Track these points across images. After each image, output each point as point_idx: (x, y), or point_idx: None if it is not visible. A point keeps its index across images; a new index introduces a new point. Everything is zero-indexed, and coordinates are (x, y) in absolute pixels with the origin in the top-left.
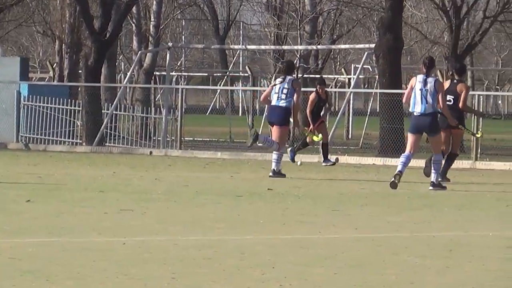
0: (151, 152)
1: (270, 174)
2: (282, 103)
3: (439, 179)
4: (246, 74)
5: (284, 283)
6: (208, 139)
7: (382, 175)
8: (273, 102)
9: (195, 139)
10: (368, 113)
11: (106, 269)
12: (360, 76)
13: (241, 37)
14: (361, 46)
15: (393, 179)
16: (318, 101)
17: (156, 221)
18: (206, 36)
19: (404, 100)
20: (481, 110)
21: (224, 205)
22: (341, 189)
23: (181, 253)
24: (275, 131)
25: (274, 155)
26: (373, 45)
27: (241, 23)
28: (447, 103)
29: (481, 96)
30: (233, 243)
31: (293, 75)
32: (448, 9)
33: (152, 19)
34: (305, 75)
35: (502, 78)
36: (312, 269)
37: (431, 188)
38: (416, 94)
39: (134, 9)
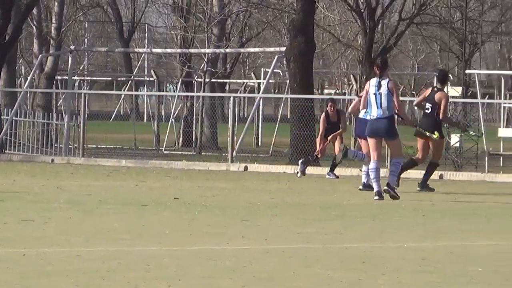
0: (52, 160)
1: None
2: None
3: (418, 188)
4: (151, 79)
5: None
6: (112, 147)
7: (293, 184)
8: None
9: (99, 146)
10: (279, 119)
11: (6, 282)
12: (270, 81)
13: (146, 40)
14: (271, 49)
15: (385, 194)
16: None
17: (58, 232)
18: (110, 39)
19: (361, 107)
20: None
21: (128, 215)
22: (250, 198)
23: (84, 265)
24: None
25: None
26: (283, 48)
27: (146, 25)
28: (426, 111)
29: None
30: (138, 255)
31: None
32: (362, 11)
33: (54, 21)
34: (212, 80)
35: (418, 83)
36: (220, 281)
37: (386, 188)
38: (370, 99)
39: (34, 11)
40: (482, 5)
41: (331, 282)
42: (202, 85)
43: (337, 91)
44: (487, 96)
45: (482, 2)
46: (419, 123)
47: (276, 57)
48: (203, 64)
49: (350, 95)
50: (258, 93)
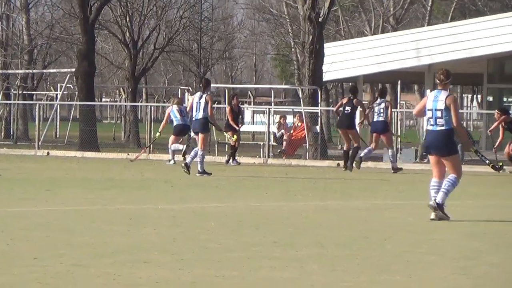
0: None
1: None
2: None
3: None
4: None
5: (10, 243)
6: None
7: (82, 165)
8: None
9: None
10: (71, 119)
11: None
12: (65, 92)
13: None
14: (65, 70)
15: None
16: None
17: None
18: None
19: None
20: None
21: None
22: (51, 175)
23: None
24: None
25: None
26: (74, 69)
27: None
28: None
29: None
30: None
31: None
32: (128, 42)
33: None
34: (24, 91)
35: (168, 94)
36: (32, 233)
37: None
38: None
39: None
40: (212, 39)
41: (108, 233)
42: (17, 95)
43: (111, 99)
44: (216, 102)
45: (212, 36)
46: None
47: (68, 75)
48: (17, 81)
49: (125, 102)
50: (56, 100)
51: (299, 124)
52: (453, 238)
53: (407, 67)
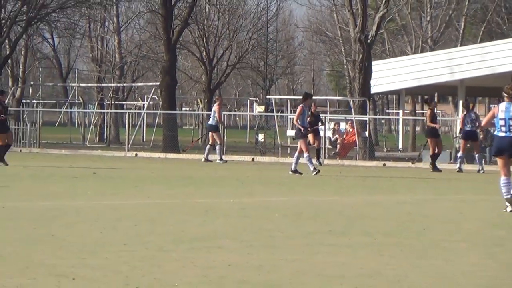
0: (20, 150)
1: None
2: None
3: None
4: (79, 101)
5: (104, 231)
6: (55, 142)
7: (165, 164)
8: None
9: (48, 141)
10: (156, 125)
11: None
12: (150, 102)
13: (76, 78)
14: (151, 83)
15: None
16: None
17: None
18: (55, 77)
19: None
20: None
21: (63, 183)
22: (139, 173)
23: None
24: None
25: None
26: (158, 83)
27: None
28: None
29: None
30: (71, 206)
31: None
32: (204, 60)
33: (21, 66)
34: (116, 102)
35: (239, 103)
36: (121, 222)
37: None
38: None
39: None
40: (276, 57)
41: (187, 223)
42: (110, 105)
43: (190, 109)
44: (280, 111)
45: (276, 55)
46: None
47: (154, 88)
48: (110, 93)
49: (202, 110)
50: (143, 109)
51: (351, 130)
52: (482, 227)
53: (442, 82)
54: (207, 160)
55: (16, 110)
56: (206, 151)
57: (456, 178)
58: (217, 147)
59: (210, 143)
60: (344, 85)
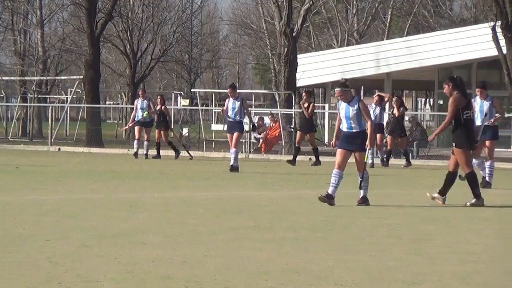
0: None
1: None
2: None
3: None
4: (1, 95)
5: (26, 227)
6: None
7: (89, 159)
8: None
9: None
10: (79, 119)
11: None
12: (74, 96)
13: None
14: (74, 77)
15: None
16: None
17: None
18: None
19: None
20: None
21: None
22: (62, 167)
23: None
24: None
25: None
26: (82, 77)
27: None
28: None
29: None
30: None
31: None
32: (128, 54)
33: None
34: (39, 95)
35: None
36: (44, 218)
37: None
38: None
39: None
40: (201, 50)
41: (111, 218)
42: (33, 98)
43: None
44: (205, 105)
45: (200, 48)
46: None
47: (77, 82)
48: (33, 86)
49: (126, 104)
50: (67, 103)
51: (273, 124)
52: (409, 222)
53: (368, 75)
54: (150, 156)
55: None
56: (145, 147)
57: (381, 173)
58: (145, 143)
59: (146, 138)
60: (269, 78)
